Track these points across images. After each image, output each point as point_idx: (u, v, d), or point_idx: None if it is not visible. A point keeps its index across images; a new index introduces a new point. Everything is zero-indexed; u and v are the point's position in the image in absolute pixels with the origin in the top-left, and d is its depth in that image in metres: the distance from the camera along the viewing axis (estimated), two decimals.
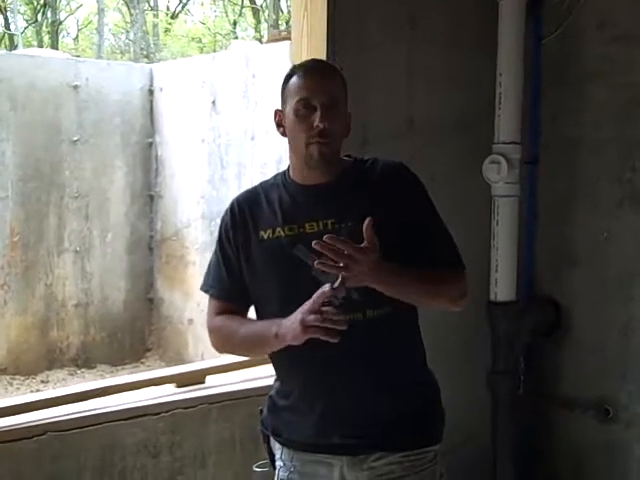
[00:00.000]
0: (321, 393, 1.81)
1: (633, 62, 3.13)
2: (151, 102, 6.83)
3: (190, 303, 6.36)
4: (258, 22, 13.98)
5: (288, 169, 1.89)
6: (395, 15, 3.04)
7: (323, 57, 2.82)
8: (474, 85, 3.25)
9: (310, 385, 1.82)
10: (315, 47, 2.87)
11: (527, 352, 3.34)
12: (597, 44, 3.23)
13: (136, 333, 6.94)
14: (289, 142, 1.83)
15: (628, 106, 3.15)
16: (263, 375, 2.83)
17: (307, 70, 1.84)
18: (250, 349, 1.92)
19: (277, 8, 13.45)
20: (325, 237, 1.58)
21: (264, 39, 11.82)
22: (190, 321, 6.41)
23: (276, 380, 1.95)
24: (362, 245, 1.60)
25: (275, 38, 5.36)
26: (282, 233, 1.80)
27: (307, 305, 1.64)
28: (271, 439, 1.94)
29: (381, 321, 1.78)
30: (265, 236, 1.82)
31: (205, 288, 1.94)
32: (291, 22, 3.08)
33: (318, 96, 1.77)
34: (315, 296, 1.63)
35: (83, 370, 6.56)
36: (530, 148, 3.37)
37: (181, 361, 6.34)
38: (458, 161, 3.20)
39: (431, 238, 1.82)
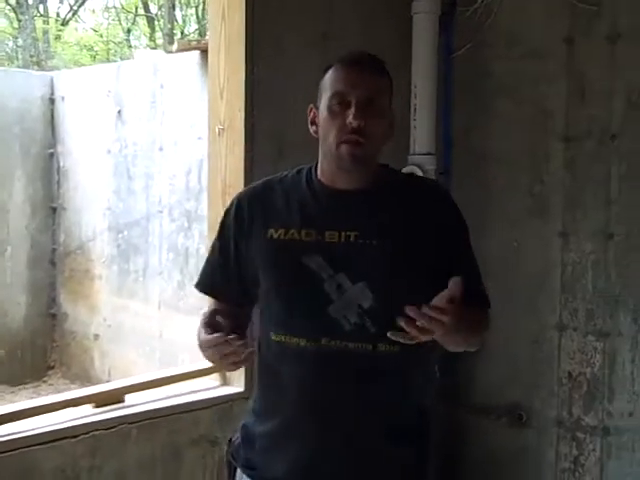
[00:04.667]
0: (313, 424, 1.60)
1: (539, 77, 3.24)
2: (52, 111, 6.59)
3: (96, 318, 6.17)
4: (153, 31, 13.74)
5: (316, 166, 1.69)
6: (310, 27, 3.05)
7: (242, 67, 2.80)
8: None
9: (302, 412, 1.61)
10: (233, 57, 2.84)
11: (441, 361, 3.38)
12: (505, 59, 3.34)
13: (37, 350, 6.65)
14: (320, 142, 1.65)
15: (535, 120, 3.27)
16: (184, 391, 2.79)
17: (346, 62, 1.64)
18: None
19: (172, 17, 13.28)
20: (407, 310, 1.37)
21: (160, 48, 11.66)
22: (96, 336, 6.21)
23: (255, 401, 1.73)
24: (445, 305, 1.40)
25: (185, 48, 5.28)
26: (297, 236, 1.61)
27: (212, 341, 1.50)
28: (238, 472, 1.72)
29: (391, 359, 1.58)
30: (275, 235, 1.62)
31: (197, 284, 1.79)
32: (208, 31, 3.03)
33: (354, 90, 1.57)
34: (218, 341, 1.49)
35: None
36: (442, 159, 3.44)
37: (86, 378, 6.15)
38: None
39: (464, 272, 1.50)
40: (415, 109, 3.25)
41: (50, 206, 6.61)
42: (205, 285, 1.78)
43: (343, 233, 1.58)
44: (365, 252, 1.57)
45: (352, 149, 1.56)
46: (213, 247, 1.77)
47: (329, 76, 1.63)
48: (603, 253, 3.06)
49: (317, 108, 1.65)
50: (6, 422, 2.35)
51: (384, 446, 1.62)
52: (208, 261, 1.79)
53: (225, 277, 1.73)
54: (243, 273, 1.69)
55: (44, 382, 6.60)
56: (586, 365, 3.11)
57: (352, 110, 1.55)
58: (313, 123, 1.67)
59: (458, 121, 3.48)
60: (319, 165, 1.68)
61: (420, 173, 3.18)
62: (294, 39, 2.99)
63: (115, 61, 11.89)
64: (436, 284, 1.46)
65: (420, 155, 3.25)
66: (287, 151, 2.94)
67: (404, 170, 3.21)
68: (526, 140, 3.29)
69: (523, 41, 3.28)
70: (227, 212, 1.74)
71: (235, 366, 1.54)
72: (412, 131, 3.26)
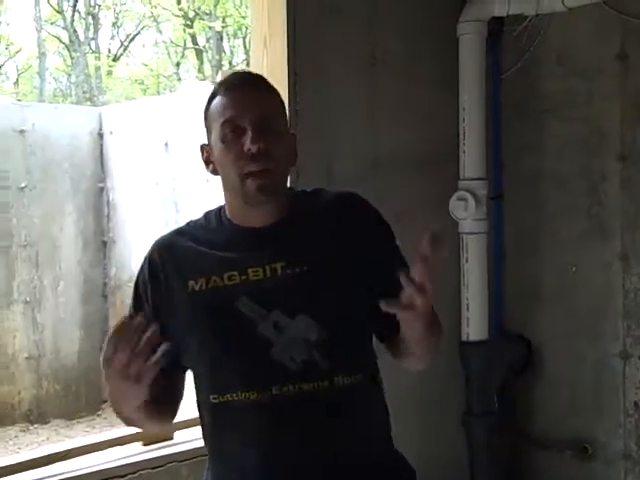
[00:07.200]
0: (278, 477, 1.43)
1: (592, 95, 3.13)
2: (101, 146, 6.69)
3: None
4: (201, 63, 13.96)
5: (223, 207, 1.53)
6: (355, 51, 3.00)
7: (285, 94, 2.75)
8: (436, 120, 3.22)
9: (262, 467, 1.42)
10: (276, 85, 2.79)
11: (501, 391, 3.27)
12: (557, 78, 3.24)
13: (91, 384, 6.67)
14: (222, 179, 1.47)
15: (589, 139, 3.16)
16: None
17: (230, 86, 1.47)
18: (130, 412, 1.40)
19: (220, 49, 13.48)
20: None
21: (209, 79, 11.82)
22: None
23: (213, 466, 1.52)
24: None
25: None
26: (220, 283, 1.42)
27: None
28: None
29: (353, 392, 1.43)
30: (197, 287, 1.43)
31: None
32: (250, 60, 3.01)
33: (247, 113, 1.40)
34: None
35: (36, 426, 6.28)
36: (494, 183, 3.34)
37: None
38: (423, 198, 3.15)
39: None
40: (464, 133, 3.17)
41: (101, 240, 6.68)
42: None
43: (267, 267, 1.42)
44: (297, 281, 1.41)
45: (258, 181, 1.40)
46: (130, 311, 1.50)
47: (215, 105, 1.46)
48: None
49: (208, 146, 1.49)
50: (54, 462, 2.32)
51: None
52: None
53: None
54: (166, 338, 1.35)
55: (98, 416, 6.64)
56: None
57: (249, 134, 1.39)
58: (208, 162, 1.49)
59: (509, 143, 3.38)
60: (226, 204, 1.52)
61: (471, 199, 3.09)
62: (338, 65, 2.94)
63: (165, 94, 12.12)
64: (374, 294, 1.37)
65: (471, 180, 3.16)
66: (336, 180, 2.88)
67: (453, 197, 3.14)
68: (580, 160, 3.17)
69: (574, 59, 3.18)
70: (141, 270, 1.52)
71: (141, 379, 1.26)
72: (461, 155, 3.17)
